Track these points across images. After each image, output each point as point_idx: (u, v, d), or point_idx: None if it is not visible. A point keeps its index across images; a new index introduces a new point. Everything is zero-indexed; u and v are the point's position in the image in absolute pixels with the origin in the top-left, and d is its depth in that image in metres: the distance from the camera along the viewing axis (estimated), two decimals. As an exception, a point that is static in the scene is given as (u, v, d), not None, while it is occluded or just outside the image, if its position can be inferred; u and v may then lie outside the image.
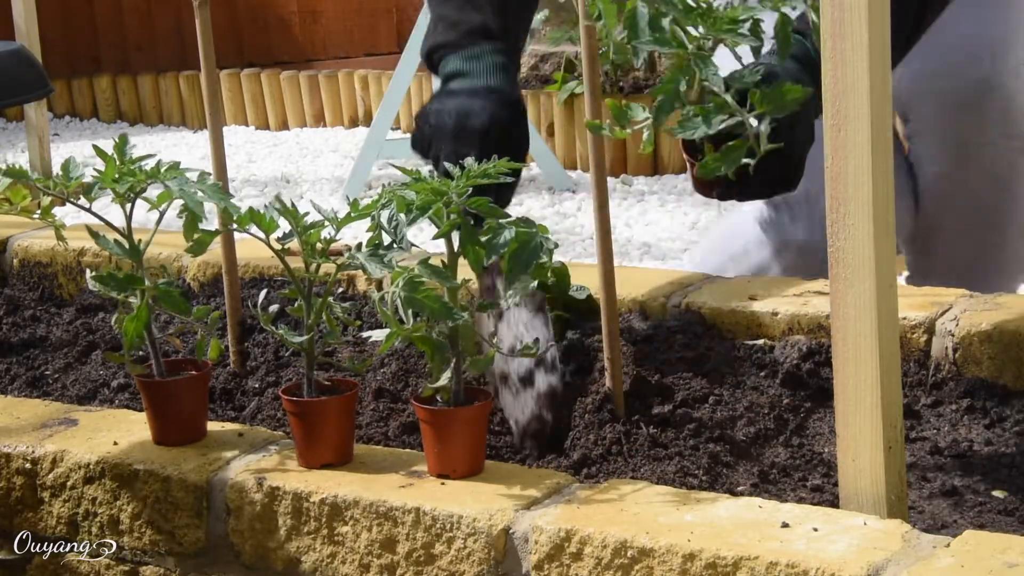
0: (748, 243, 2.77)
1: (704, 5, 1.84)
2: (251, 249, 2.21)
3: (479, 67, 2.31)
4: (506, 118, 2.19)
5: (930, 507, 1.79)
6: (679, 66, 1.83)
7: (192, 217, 1.82)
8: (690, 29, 1.84)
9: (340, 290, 2.42)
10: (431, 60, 2.38)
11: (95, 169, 1.86)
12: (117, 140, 1.88)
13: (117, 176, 1.84)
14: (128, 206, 1.86)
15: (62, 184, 1.86)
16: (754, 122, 1.82)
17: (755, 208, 2.73)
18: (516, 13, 2.46)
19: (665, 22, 1.82)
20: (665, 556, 1.55)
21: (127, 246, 1.87)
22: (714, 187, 2.07)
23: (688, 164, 2.14)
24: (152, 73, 7.18)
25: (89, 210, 1.86)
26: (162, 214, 1.86)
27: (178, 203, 1.84)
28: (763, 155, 1.82)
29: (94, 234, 1.87)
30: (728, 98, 1.84)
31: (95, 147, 1.87)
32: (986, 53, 2.73)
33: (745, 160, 1.83)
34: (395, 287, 1.72)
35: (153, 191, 1.87)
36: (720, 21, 1.82)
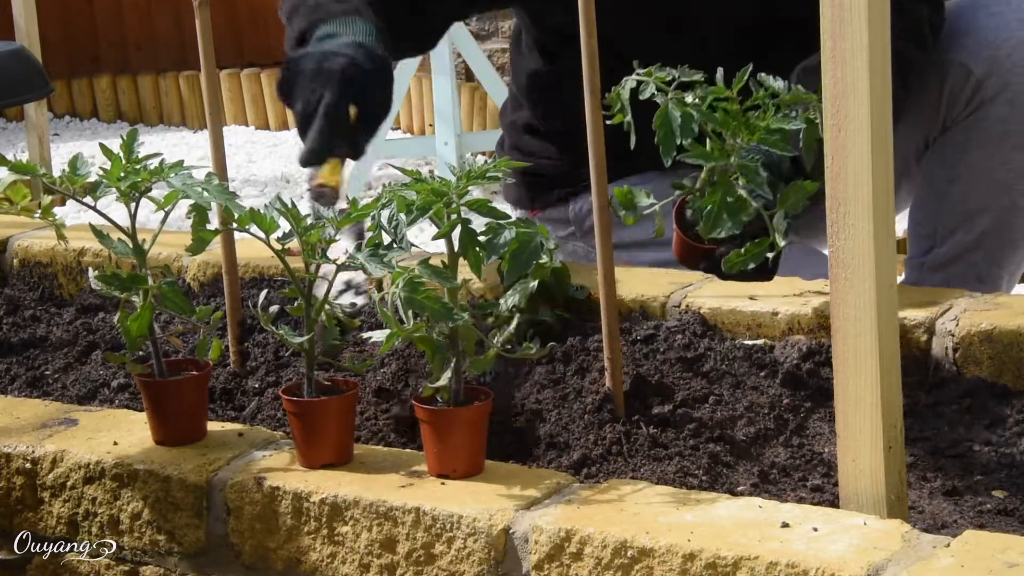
0: None
1: (734, 108, 1.90)
2: (251, 249, 2.21)
3: (349, 29, 2.32)
4: (367, 65, 2.17)
5: (930, 507, 1.79)
6: (724, 181, 1.91)
7: (201, 215, 1.82)
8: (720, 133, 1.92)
9: (340, 290, 2.42)
10: (302, 41, 2.36)
11: (100, 168, 1.85)
12: (125, 137, 1.87)
13: (122, 174, 1.83)
14: (133, 205, 1.86)
15: (69, 180, 1.85)
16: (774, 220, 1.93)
17: None
18: (398, 20, 2.49)
19: (694, 125, 1.87)
20: (665, 556, 1.55)
21: (131, 245, 1.87)
22: (700, 261, 2.14)
23: (675, 234, 2.17)
24: (152, 73, 7.19)
25: (94, 208, 1.85)
26: (167, 214, 1.86)
27: (184, 203, 1.84)
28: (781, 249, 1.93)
29: (98, 232, 1.86)
30: (755, 202, 1.93)
31: (101, 145, 1.86)
32: None
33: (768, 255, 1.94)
34: (395, 287, 1.72)
35: (158, 191, 1.87)
36: (760, 131, 1.88)
